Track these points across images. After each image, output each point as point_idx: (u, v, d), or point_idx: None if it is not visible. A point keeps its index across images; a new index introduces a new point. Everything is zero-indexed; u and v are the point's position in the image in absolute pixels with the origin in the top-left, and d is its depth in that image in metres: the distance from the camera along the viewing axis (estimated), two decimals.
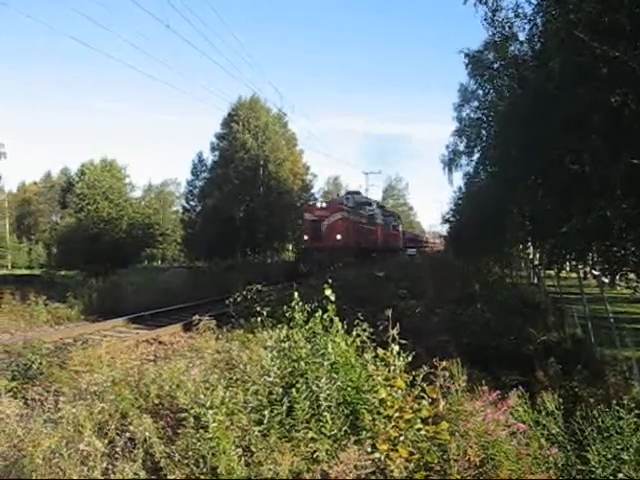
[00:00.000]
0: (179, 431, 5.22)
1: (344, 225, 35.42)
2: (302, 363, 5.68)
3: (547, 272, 17.70)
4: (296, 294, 6.17)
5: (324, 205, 36.95)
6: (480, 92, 28.01)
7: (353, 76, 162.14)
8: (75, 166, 71.01)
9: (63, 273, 39.99)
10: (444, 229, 59.83)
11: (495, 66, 19.41)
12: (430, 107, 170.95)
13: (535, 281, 22.02)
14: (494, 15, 15.24)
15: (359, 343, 5.97)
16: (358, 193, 49.90)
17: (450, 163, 39.59)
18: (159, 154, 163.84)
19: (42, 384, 7.74)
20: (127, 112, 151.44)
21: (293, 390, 5.31)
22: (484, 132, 26.84)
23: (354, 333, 6.02)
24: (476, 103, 30.60)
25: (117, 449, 5.10)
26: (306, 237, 36.29)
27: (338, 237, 34.08)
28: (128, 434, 5.34)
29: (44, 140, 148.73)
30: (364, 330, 6.03)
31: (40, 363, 8.42)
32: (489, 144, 22.34)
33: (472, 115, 31.95)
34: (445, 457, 4.83)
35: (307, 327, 6.09)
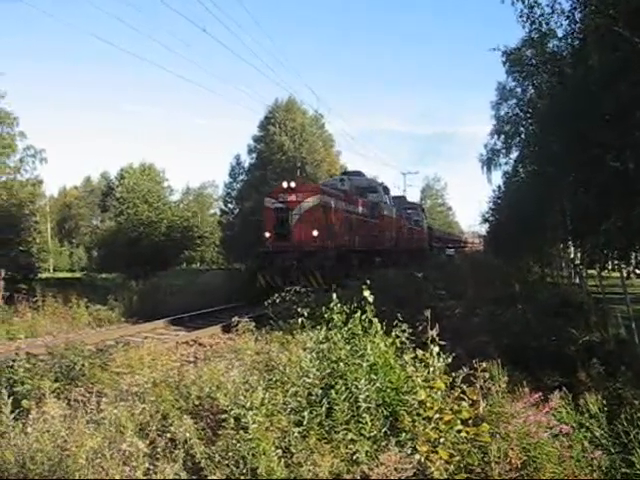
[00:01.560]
0: (219, 432, 5.25)
1: (326, 216, 23.40)
2: (341, 364, 5.68)
3: (589, 272, 17.42)
4: (335, 295, 6.17)
5: (293, 185, 23.36)
6: (518, 90, 27.72)
7: (390, 76, 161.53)
8: (114, 170, 71.98)
9: (104, 276, 40.50)
10: (483, 229, 59.33)
11: (533, 63, 19.21)
12: (469, 106, 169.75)
13: (576, 281, 21.70)
14: (531, 11, 15.07)
15: (398, 344, 5.95)
16: (359, 174, 34.79)
17: (489, 162, 39.02)
18: (197, 157, 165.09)
19: (84, 385, 7.84)
20: (164, 116, 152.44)
21: (332, 391, 5.31)
22: (523, 130, 26.55)
23: (393, 334, 6.01)
24: (514, 101, 30.21)
25: (158, 449, 5.14)
26: (267, 234, 23.40)
27: (314, 233, 22.32)
28: (169, 435, 5.39)
29: (84, 144, 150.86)
30: (403, 331, 6.01)
31: (82, 364, 8.53)
32: (528, 142, 22.13)
33: (510, 113, 31.52)
34: (486, 459, 4.79)
35: (346, 328, 6.09)
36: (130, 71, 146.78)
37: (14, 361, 7.86)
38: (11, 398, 5.91)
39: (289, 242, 22.70)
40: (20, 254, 26.87)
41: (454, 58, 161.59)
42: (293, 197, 23.11)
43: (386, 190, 36.21)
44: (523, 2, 15.03)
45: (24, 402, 6.15)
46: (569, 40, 13.93)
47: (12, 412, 5.72)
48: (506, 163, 36.42)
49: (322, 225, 22.90)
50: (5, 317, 15.66)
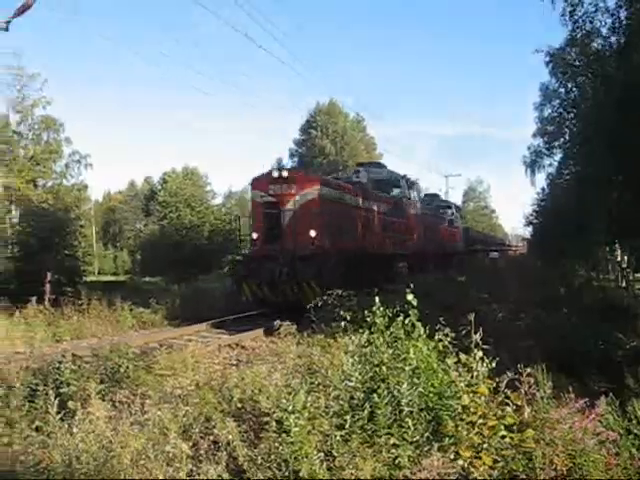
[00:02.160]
0: (261, 435, 5.27)
1: (328, 212, 18.84)
2: (383, 368, 5.66)
3: (636, 275, 17.12)
4: (377, 299, 6.15)
5: (285, 174, 18.75)
6: (562, 90, 27.42)
7: (431, 78, 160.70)
8: (158, 174, 72.85)
9: (147, 279, 40.98)
10: (527, 232, 58.64)
11: (576, 63, 18.97)
12: (513, 108, 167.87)
13: (623, 284, 21.35)
14: (574, 10, 14.90)
15: (441, 348, 5.90)
16: (379, 165, 30.47)
17: (532, 164, 38.53)
18: (239, 161, 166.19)
19: (129, 387, 7.92)
20: (203, 119, 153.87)
21: (375, 395, 5.28)
22: (567, 131, 26.23)
23: (436, 338, 5.96)
24: (558, 102, 29.84)
25: (201, 451, 5.18)
26: (255, 235, 19.15)
27: (312, 234, 17.82)
28: (212, 437, 5.43)
29: (127, 150, 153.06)
30: (446, 335, 5.96)
31: (127, 367, 8.63)
32: (572, 143, 21.83)
33: (554, 114, 31.13)
34: (530, 465, 4.72)
35: (389, 332, 6.06)
36: (170, 75, 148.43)
37: (60, 363, 7.99)
38: (57, 399, 6.02)
39: (280, 245, 18.07)
40: (66, 258, 27.31)
41: (494, 58, 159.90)
42: (286, 189, 18.49)
43: (411, 184, 30.36)
44: (565, 0, 14.87)
45: (70, 403, 6.25)
46: (613, 38, 13.74)
47: (58, 413, 5.81)
48: (550, 165, 36.06)
49: (322, 223, 18.23)
50: (52, 319, 15.90)
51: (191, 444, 5.15)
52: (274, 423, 5.06)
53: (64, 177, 34.36)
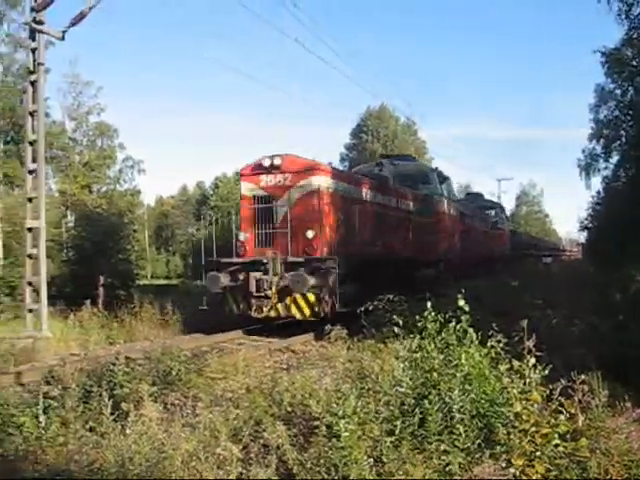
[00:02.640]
0: (311, 439, 5.28)
1: (331, 207, 15.82)
2: (434, 374, 5.62)
3: None
4: (429, 304, 6.11)
5: (277, 162, 15.47)
6: (618, 92, 26.91)
7: (481, 80, 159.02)
8: (209, 179, 73.58)
9: (199, 283, 41.36)
10: (582, 236, 57.55)
11: (634, 63, 18.60)
12: (566, 110, 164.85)
13: None
14: (629, 10, 14.62)
15: (493, 354, 5.83)
16: (407, 158, 26.77)
17: (587, 167, 37.84)
18: None
19: (180, 390, 8.00)
20: (251, 124, 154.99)
21: (425, 401, 5.24)
22: (623, 133, 25.71)
23: (488, 344, 5.89)
24: (614, 103, 29.26)
25: (251, 455, 5.21)
26: (243, 237, 15.98)
27: (309, 234, 14.98)
28: (262, 440, 5.46)
29: (181, 154, 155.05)
30: (498, 341, 5.88)
31: (178, 370, 8.72)
32: (630, 145, 21.38)
33: (610, 116, 30.51)
34: (585, 475, 4.62)
35: (440, 337, 6.01)
36: (223, 80, 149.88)
37: (114, 365, 8.12)
38: (111, 400, 6.13)
39: (273, 247, 15.27)
40: (119, 262, 27.76)
41: (543, 58, 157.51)
42: (280, 180, 15.44)
43: (443, 179, 25.80)
44: (621, 0, 14.60)
45: (123, 404, 6.34)
46: None
47: (112, 414, 5.92)
48: (606, 168, 35.36)
49: (325, 222, 15.28)
50: (105, 322, 16.16)
51: (241, 447, 5.18)
52: (324, 427, 5.07)
53: (118, 182, 35.09)
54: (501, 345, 5.87)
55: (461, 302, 5.94)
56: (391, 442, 5.03)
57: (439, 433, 5.07)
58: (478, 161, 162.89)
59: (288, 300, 14.58)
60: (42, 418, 6.14)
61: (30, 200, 14.04)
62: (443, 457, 4.89)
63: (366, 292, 13.72)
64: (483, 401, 5.39)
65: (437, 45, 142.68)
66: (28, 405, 6.56)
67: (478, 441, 5.04)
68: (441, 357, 5.81)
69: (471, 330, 5.90)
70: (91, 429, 6.01)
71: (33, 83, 13.92)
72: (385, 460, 4.89)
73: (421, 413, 5.24)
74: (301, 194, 15.30)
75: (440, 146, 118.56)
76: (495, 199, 56.76)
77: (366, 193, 18.16)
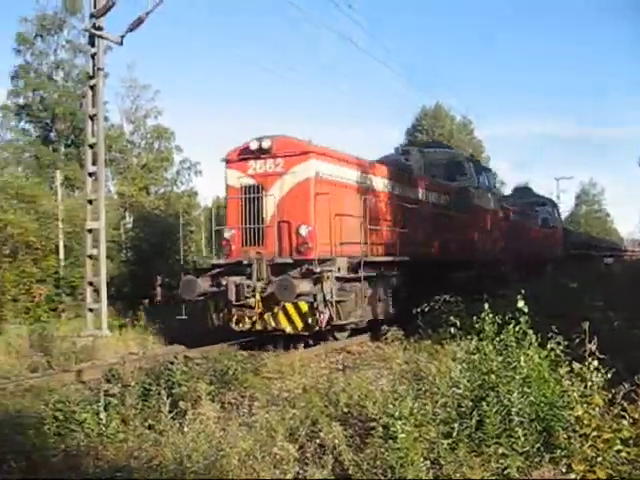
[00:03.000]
0: (367, 440, 5.26)
1: (330, 198, 12.80)
2: (493, 376, 5.55)
3: None
4: (486, 305, 6.04)
5: (267, 144, 13.04)
6: None
7: (541, 77, 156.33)
8: None
9: None
10: None
11: None
12: (628, 107, 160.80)
13: None
14: None
15: (553, 357, 5.73)
16: (440, 145, 24.61)
17: None
18: None
19: (237, 389, 8.07)
20: (304, 125, 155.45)
21: (483, 403, 5.17)
22: None
23: (548, 346, 5.78)
24: None
25: (307, 454, 5.23)
26: (228, 234, 13.76)
27: (303, 231, 12.72)
28: (318, 440, 5.46)
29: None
30: (558, 343, 5.77)
31: (235, 369, 8.80)
32: None
33: None
34: None
35: (498, 339, 5.93)
36: (277, 87, 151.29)
37: (172, 364, 8.23)
38: (169, 399, 6.22)
39: (263, 247, 12.99)
40: (176, 262, 28.09)
41: (606, 56, 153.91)
42: (270, 166, 13.14)
43: (482, 169, 23.21)
44: None
45: (181, 403, 6.44)
46: None
47: (170, 412, 6.00)
48: None
49: (321, 216, 12.69)
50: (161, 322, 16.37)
51: (298, 447, 5.19)
52: (380, 429, 5.05)
53: (175, 184, 35.54)
54: (561, 347, 5.77)
55: (520, 303, 5.85)
56: (448, 444, 4.98)
57: (497, 436, 4.99)
58: (536, 160, 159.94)
59: (277, 310, 12.25)
60: (103, 415, 6.25)
61: (90, 202, 14.35)
62: (501, 460, 4.82)
63: (373, 299, 13.47)
64: (542, 404, 5.29)
65: (493, 43, 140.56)
66: (89, 402, 6.68)
67: (537, 445, 4.96)
68: (499, 359, 5.74)
69: (530, 332, 5.81)
70: (150, 427, 6.10)
71: (93, 87, 14.24)
72: (442, 462, 4.84)
73: (479, 415, 5.17)
74: (294, 183, 12.88)
75: (497, 145, 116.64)
76: (554, 198, 55.22)
77: (380, 182, 15.47)
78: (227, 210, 14.00)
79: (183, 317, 13.43)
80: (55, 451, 5.63)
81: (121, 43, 13.98)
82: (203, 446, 5.20)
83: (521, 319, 5.83)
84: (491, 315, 6.06)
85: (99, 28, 13.58)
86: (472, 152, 53.23)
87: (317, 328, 11.96)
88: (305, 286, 11.92)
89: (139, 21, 13.40)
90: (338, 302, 12.06)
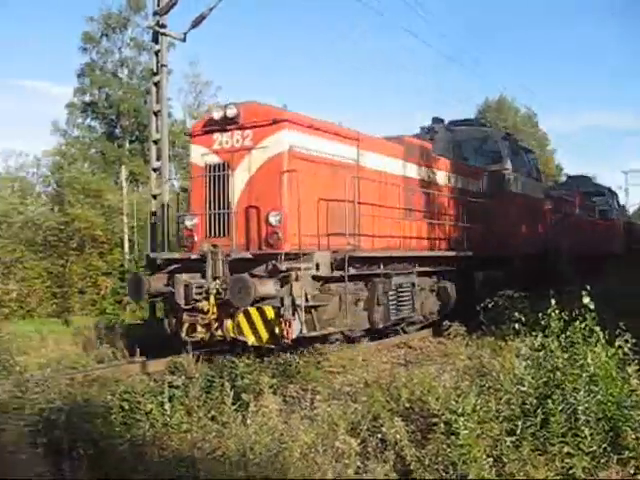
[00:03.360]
0: (429, 436, 5.24)
1: (314, 177, 10.64)
2: (558, 373, 5.45)
3: None
4: (553, 301, 5.94)
5: (232, 113, 10.45)
6: None
7: (611, 65, 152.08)
8: None
9: None
10: None
11: None
12: None
13: None
14: None
15: (621, 355, 5.59)
16: (472, 123, 20.04)
17: None
18: None
19: (299, 383, 8.12)
20: (366, 118, 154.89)
21: (549, 401, 5.09)
22: None
23: (615, 344, 5.65)
24: None
25: (369, 449, 5.23)
26: (189, 222, 11.22)
27: (272, 219, 10.17)
28: (380, 435, 5.46)
29: None
30: (626, 341, 5.64)
31: (297, 362, 8.86)
32: None
33: None
34: None
35: (564, 336, 5.83)
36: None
37: (235, 356, 8.33)
38: (232, 391, 6.30)
39: (228, 238, 10.51)
40: None
41: None
42: (238, 139, 10.69)
43: (520, 150, 19.96)
44: None
45: (244, 395, 6.50)
46: None
47: (233, 404, 6.09)
48: None
49: (296, 201, 9.95)
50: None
51: (359, 441, 5.20)
52: (442, 425, 5.02)
53: None
54: (629, 345, 5.63)
55: (586, 300, 5.74)
56: (512, 442, 4.92)
57: (563, 435, 4.91)
58: (604, 152, 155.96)
59: (239, 315, 9.91)
60: (167, 406, 6.37)
61: (154, 197, 14.57)
62: (567, 460, 4.74)
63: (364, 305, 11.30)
64: (610, 403, 5.18)
65: (556, 31, 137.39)
66: (154, 393, 6.83)
67: (604, 445, 4.86)
68: (565, 356, 5.64)
69: (597, 329, 5.68)
70: (213, 418, 6.20)
71: (156, 84, 14.43)
72: (505, 460, 4.79)
73: (543, 413, 5.08)
74: (264, 159, 10.40)
75: (562, 137, 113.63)
76: (621, 193, 53.26)
77: (382, 161, 12.75)
78: (191, 194, 11.64)
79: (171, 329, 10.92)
80: (122, 440, 5.77)
81: (184, 40, 14.15)
82: (265, 438, 5.26)
83: (587, 315, 5.71)
84: (557, 312, 5.96)
85: (162, 26, 13.78)
86: (537, 145, 52.28)
87: (285, 341, 9.52)
88: (269, 288, 9.52)
89: (202, 17, 13.54)
90: (314, 308, 9.86)
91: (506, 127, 52.37)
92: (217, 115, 10.66)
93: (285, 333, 9.37)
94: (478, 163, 17.61)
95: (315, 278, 9.97)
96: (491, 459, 4.71)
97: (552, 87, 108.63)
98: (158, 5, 13.84)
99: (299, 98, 77.67)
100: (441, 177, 15.06)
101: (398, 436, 5.18)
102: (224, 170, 10.66)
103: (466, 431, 4.73)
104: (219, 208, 10.71)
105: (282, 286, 9.56)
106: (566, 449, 4.80)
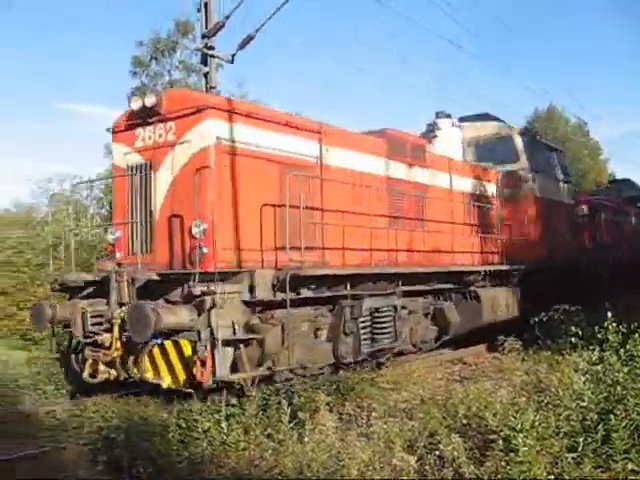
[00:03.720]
0: (487, 453, 5.17)
1: (258, 177, 8.89)
2: (619, 388, 5.33)
3: None
4: (610, 314, 5.83)
5: (152, 101, 8.66)
6: None
7: None
8: None
9: None
10: None
11: None
12: None
13: None
14: None
15: None
16: (486, 117, 16.30)
17: None
18: None
19: (354, 400, 8.09)
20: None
21: (611, 417, 4.98)
22: None
23: None
24: None
25: (427, 466, 5.18)
26: (112, 236, 9.23)
27: (195, 230, 7.99)
28: (437, 452, 5.41)
29: None
30: None
31: (353, 380, 8.85)
32: None
33: None
34: None
35: (623, 350, 5.71)
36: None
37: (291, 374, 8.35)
38: (289, 409, 6.33)
39: (151, 255, 8.73)
40: None
41: None
42: (160, 133, 8.87)
43: (541, 148, 17.57)
44: None
45: (300, 413, 6.51)
46: None
47: (289, 422, 6.11)
48: None
49: (225, 207, 8.46)
50: None
51: (416, 458, 5.17)
52: (501, 441, 4.95)
53: None
54: None
55: None
56: (572, 459, 4.83)
57: (626, 451, 4.80)
58: None
59: (154, 350, 8.09)
60: (224, 424, 6.42)
61: None
62: (631, 477, 4.63)
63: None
64: None
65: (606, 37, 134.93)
66: (211, 412, 6.89)
67: None
68: (625, 370, 5.52)
69: None
70: (269, 436, 6.23)
71: None
72: (566, 478, 4.70)
73: (605, 429, 4.98)
74: (189, 156, 8.55)
75: (614, 146, 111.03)
76: None
77: (354, 159, 10.66)
78: (113, 201, 10.00)
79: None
80: (180, 458, 5.85)
81: (232, 61, 14.35)
82: (322, 456, 5.27)
83: None
84: (615, 324, 5.85)
85: (211, 48, 13.99)
86: (588, 155, 51.13)
87: (204, 383, 7.58)
88: (182, 316, 7.66)
89: (249, 38, 13.69)
90: (245, 341, 7.98)
91: (557, 137, 51.79)
92: (135, 105, 8.96)
93: (199, 375, 7.47)
94: (490, 162, 15.46)
95: (253, 304, 8.19)
96: (552, 476, 4.63)
97: (595, 90, 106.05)
98: (206, 28, 14.09)
99: (347, 113, 77.59)
100: (441, 178, 13.00)
101: (456, 453, 5.13)
102: (146, 171, 8.91)
103: (525, 448, 4.65)
104: (141, 218, 8.93)
105: (199, 314, 7.69)
106: (630, 466, 4.69)
